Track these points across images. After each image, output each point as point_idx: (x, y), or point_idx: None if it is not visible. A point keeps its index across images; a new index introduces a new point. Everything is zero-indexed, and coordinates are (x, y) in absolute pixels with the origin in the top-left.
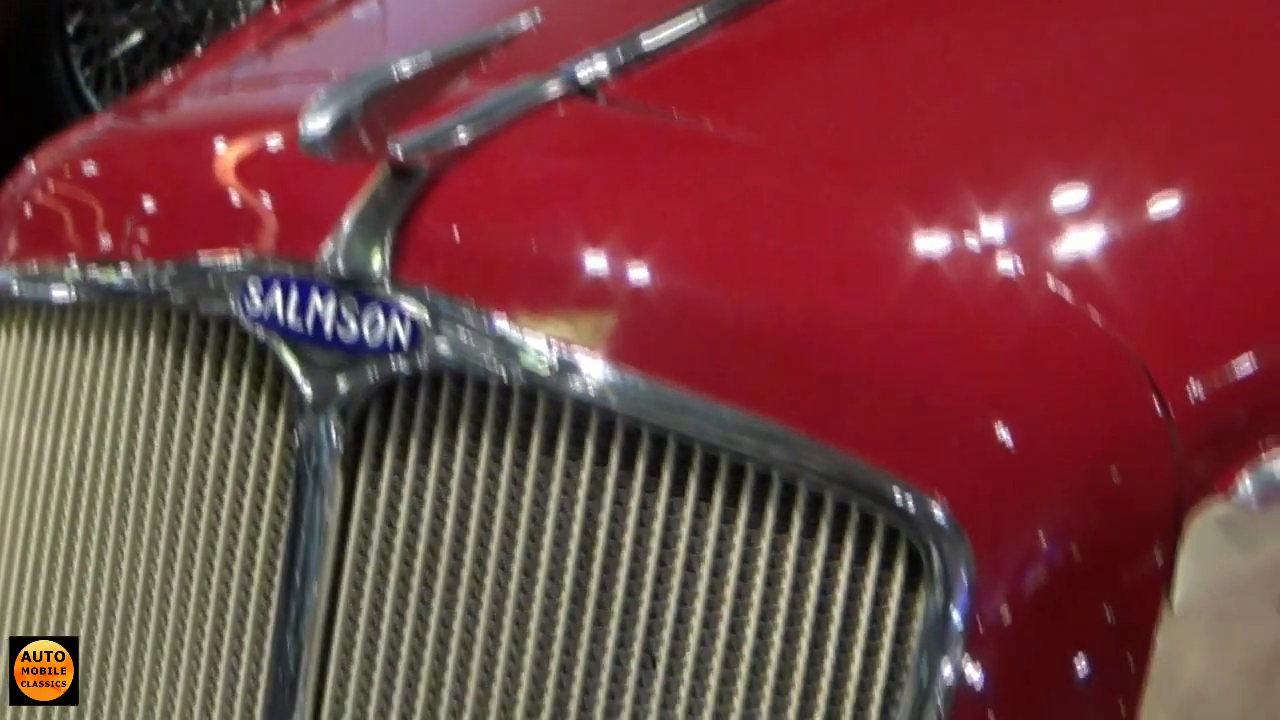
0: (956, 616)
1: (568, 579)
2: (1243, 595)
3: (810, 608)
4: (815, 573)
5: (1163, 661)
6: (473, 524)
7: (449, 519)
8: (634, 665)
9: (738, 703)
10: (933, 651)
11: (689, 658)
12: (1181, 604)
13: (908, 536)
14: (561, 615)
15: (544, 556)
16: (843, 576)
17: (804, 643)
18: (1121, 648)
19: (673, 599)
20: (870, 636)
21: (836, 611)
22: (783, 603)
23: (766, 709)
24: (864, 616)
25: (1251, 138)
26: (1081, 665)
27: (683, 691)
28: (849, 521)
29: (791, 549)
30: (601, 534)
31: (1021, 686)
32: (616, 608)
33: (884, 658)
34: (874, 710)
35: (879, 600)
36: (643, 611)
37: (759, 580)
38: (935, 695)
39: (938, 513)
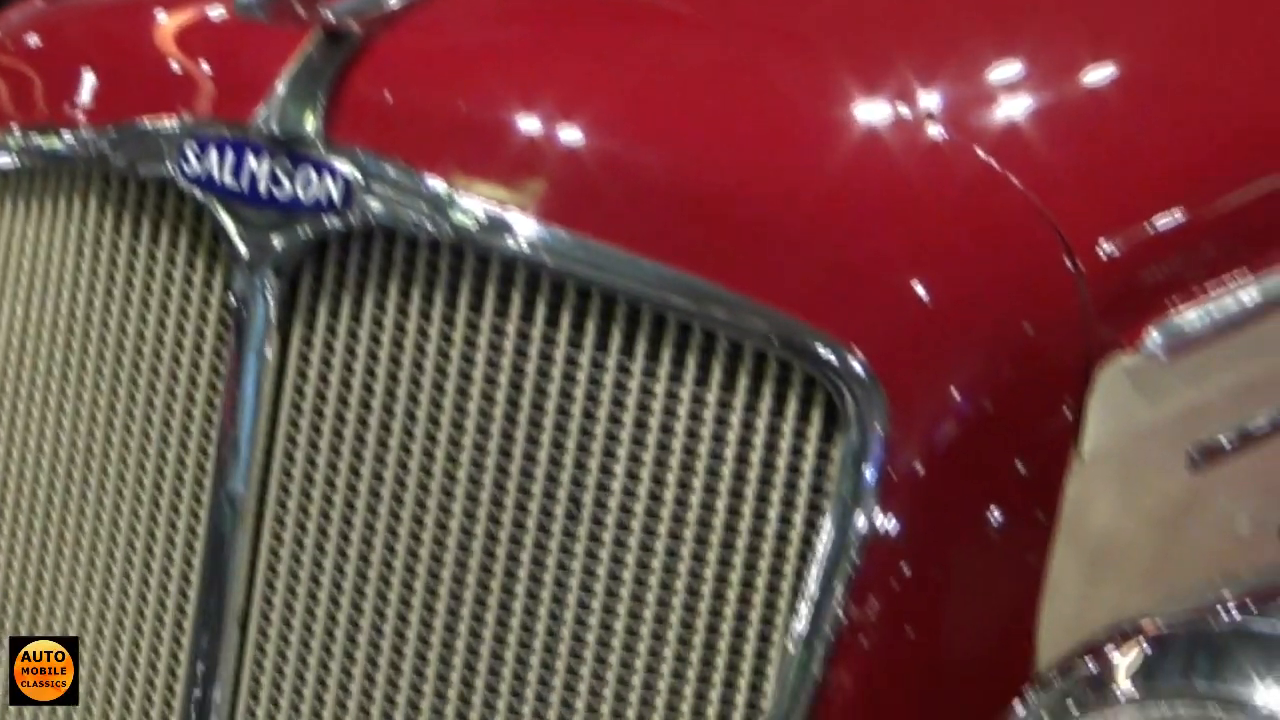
0: (871, 467)
1: (495, 429)
2: (1150, 445)
3: (730, 455)
4: (735, 421)
5: (1072, 509)
6: (403, 377)
7: (380, 372)
8: (560, 513)
9: (660, 547)
10: (847, 501)
11: (613, 504)
12: (1091, 453)
13: (825, 388)
14: (490, 464)
15: (472, 407)
16: (761, 425)
17: (724, 489)
18: (1032, 497)
19: (597, 447)
20: (788, 485)
21: (755, 459)
22: (703, 450)
23: (688, 554)
24: (782, 465)
25: (1177, 11)
26: (993, 515)
27: (607, 537)
28: (768, 373)
29: (712, 398)
30: (528, 385)
31: (934, 536)
32: (543, 456)
33: (801, 504)
34: (791, 554)
35: (796, 450)
36: (568, 460)
37: (681, 429)
38: (850, 544)
39: (855, 364)
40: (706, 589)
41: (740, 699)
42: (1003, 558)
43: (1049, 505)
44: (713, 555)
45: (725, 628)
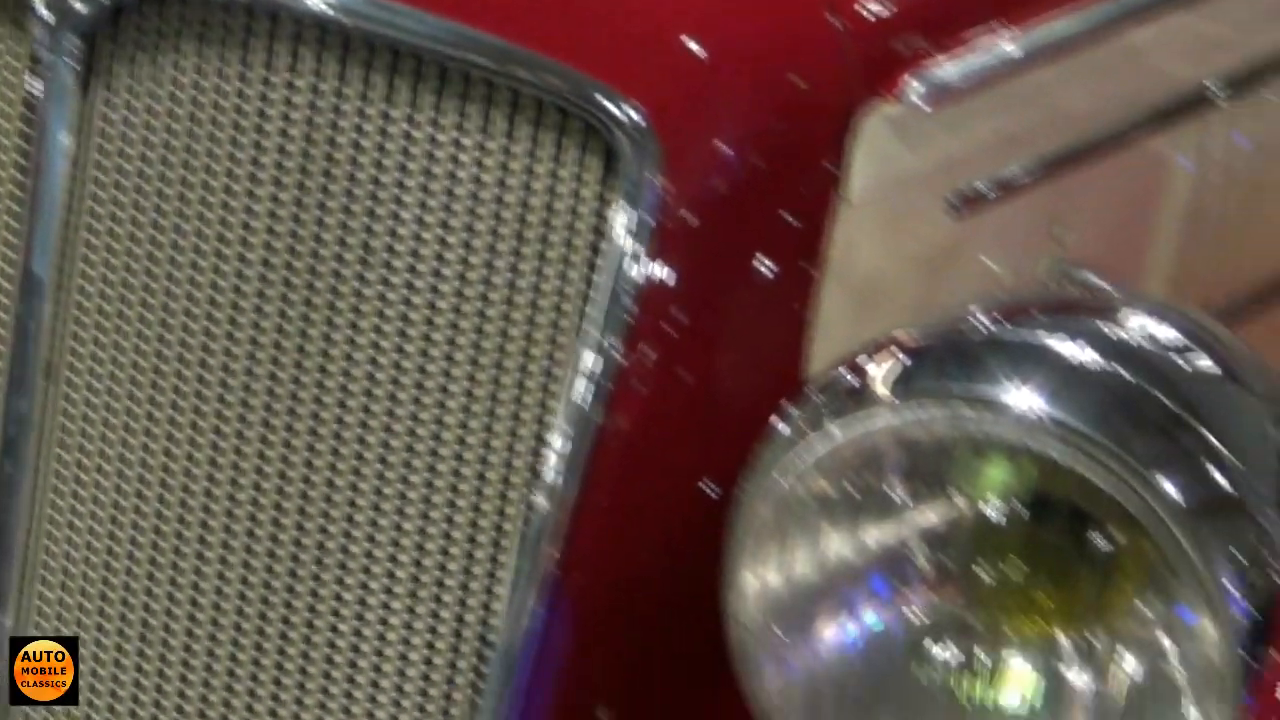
0: (646, 215)
1: (290, 180)
2: (912, 192)
3: (513, 201)
4: (517, 168)
5: (840, 253)
6: (201, 134)
7: (179, 129)
8: (354, 259)
9: (448, 289)
10: (623, 249)
11: (404, 248)
12: (856, 200)
13: (603, 137)
14: (285, 214)
15: (267, 160)
16: (542, 171)
17: (507, 233)
18: (800, 244)
19: (387, 195)
20: (568, 228)
21: (537, 204)
22: (488, 196)
23: (474, 295)
24: (562, 208)
25: None
26: (763, 261)
27: (397, 280)
28: (547, 124)
29: (495, 146)
30: (320, 138)
31: (706, 283)
32: (336, 206)
33: (581, 246)
34: (572, 294)
35: (576, 195)
36: (359, 208)
37: (466, 175)
38: (625, 292)
39: (634, 115)
40: (492, 329)
41: (526, 431)
42: (773, 301)
43: (816, 251)
44: (497, 295)
45: (510, 364)
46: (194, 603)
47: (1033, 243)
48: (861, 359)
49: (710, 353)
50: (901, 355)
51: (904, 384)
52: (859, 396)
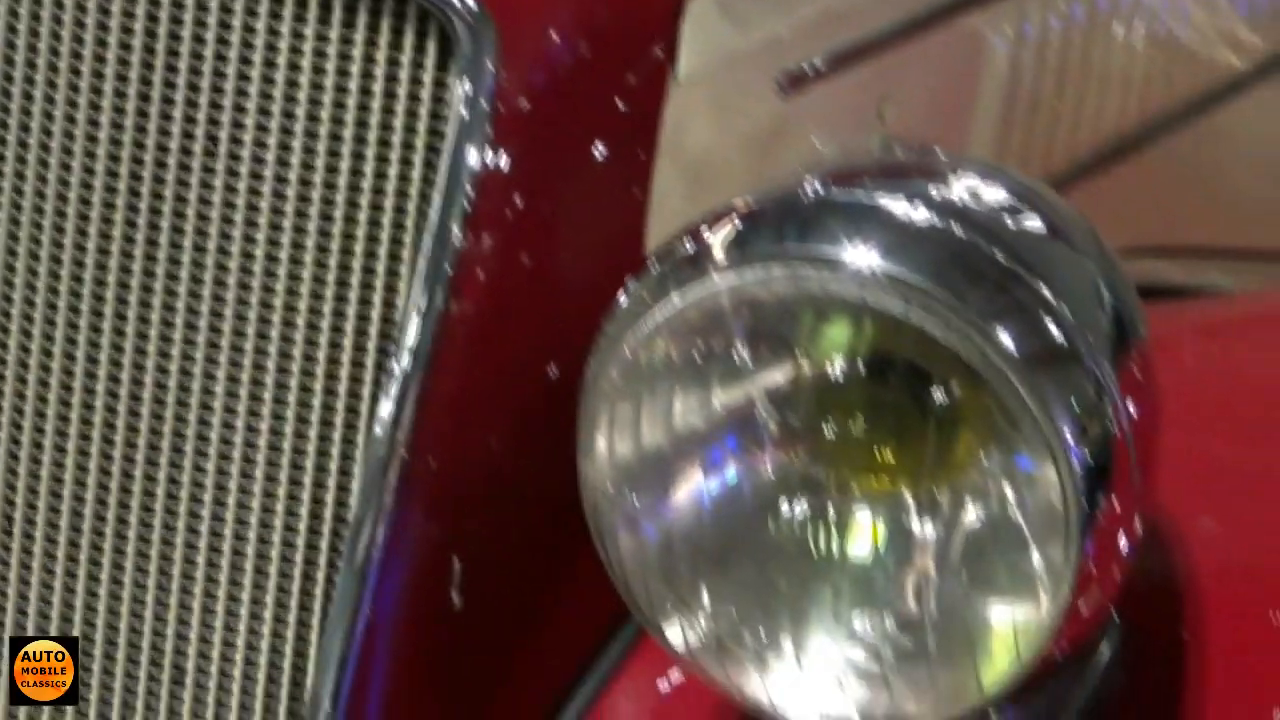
0: (483, 103)
1: (134, 76)
2: (740, 71)
3: (355, 89)
4: (357, 55)
5: (671, 133)
6: (45, 33)
7: (23, 30)
8: (199, 150)
9: (293, 179)
10: (462, 137)
11: (248, 139)
12: (686, 80)
13: (441, 25)
14: (131, 109)
15: (111, 56)
16: (381, 59)
17: (350, 120)
18: (635, 130)
19: (230, 87)
20: (409, 114)
21: (377, 90)
22: (328, 85)
23: (320, 184)
24: (402, 94)
25: None
26: (599, 148)
27: (244, 170)
28: (384, 11)
29: (334, 36)
30: (163, 33)
31: (542, 169)
32: (180, 99)
33: (421, 129)
34: (415, 177)
35: (415, 82)
36: (204, 101)
37: (307, 66)
38: (463, 179)
39: (469, 1)
40: (338, 215)
41: (374, 314)
42: (610, 185)
43: (651, 134)
44: (343, 182)
45: (357, 249)
46: (54, 495)
47: (859, 120)
48: (700, 228)
49: (550, 238)
50: (739, 221)
51: (743, 247)
52: (699, 263)
